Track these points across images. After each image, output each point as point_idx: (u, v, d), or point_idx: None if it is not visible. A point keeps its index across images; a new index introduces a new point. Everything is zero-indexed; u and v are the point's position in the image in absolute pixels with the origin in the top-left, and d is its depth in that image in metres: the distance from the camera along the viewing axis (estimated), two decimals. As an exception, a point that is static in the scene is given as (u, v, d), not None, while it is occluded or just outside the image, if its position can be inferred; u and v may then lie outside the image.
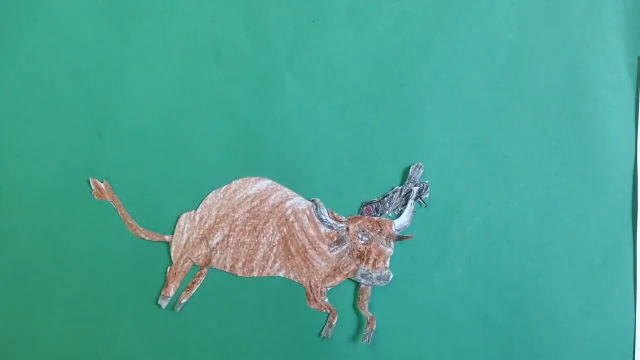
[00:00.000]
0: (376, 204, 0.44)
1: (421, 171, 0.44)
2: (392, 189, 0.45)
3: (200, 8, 0.44)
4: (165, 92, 0.44)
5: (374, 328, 0.43)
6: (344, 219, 0.44)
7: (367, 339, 0.43)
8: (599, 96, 0.45)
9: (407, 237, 0.44)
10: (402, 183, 0.45)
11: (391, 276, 0.43)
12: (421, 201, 0.44)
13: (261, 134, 0.44)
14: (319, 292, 0.43)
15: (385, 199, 0.44)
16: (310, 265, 0.44)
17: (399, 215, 0.45)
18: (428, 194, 0.45)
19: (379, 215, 0.44)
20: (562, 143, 0.45)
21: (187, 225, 0.44)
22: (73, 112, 0.44)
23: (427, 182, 0.44)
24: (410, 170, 0.44)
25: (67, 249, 0.44)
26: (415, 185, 0.43)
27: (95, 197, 0.44)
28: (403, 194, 0.44)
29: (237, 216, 0.44)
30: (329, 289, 0.44)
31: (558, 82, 0.45)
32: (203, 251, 0.44)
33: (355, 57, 0.45)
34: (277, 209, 0.44)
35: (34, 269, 0.45)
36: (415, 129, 0.45)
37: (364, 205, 0.44)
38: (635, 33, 0.45)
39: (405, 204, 0.44)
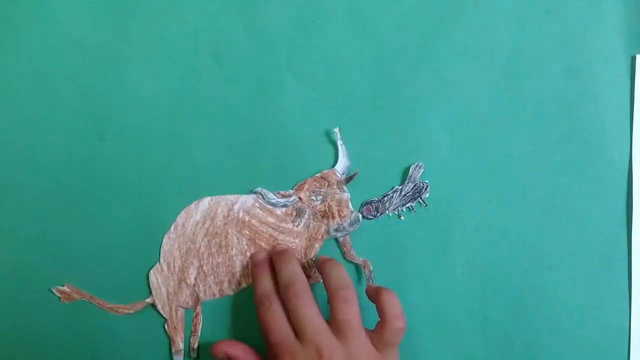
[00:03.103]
0: (376, 204, 0.44)
1: (421, 171, 0.44)
2: (392, 188, 0.45)
3: (200, 8, 0.44)
4: (165, 92, 0.44)
5: (371, 268, 0.44)
6: (291, 192, 0.44)
7: (371, 280, 0.44)
8: (599, 96, 0.45)
9: (354, 175, 0.44)
10: (402, 183, 0.45)
11: (360, 216, 0.44)
12: (421, 201, 0.45)
13: (261, 134, 0.44)
14: (308, 266, 0.44)
15: (385, 198, 0.44)
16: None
17: (399, 215, 0.45)
18: (428, 194, 0.45)
19: (379, 215, 0.44)
20: (561, 143, 0.45)
21: (159, 278, 0.44)
22: (72, 112, 0.44)
23: (427, 182, 0.44)
24: (410, 170, 0.44)
25: (68, 250, 0.44)
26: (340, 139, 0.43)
27: (66, 301, 0.44)
28: (403, 193, 0.44)
29: (198, 245, 0.44)
30: (313, 258, 0.44)
31: (558, 82, 0.45)
32: (187, 292, 0.44)
33: (355, 57, 0.45)
34: (229, 218, 0.44)
35: (34, 269, 0.45)
36: (415, 129, 0.45)
37: (364, 205, 0.44)
38: (632, 33, 0.45)
39: (406, 203, 0.44)
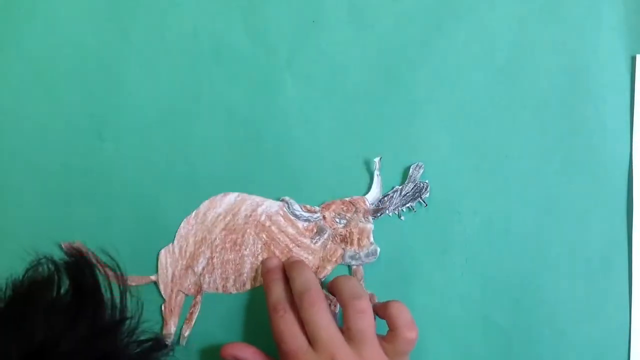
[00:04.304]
0: (376, 204, 0.44)
1: (421, 171, 0.44)
2: (392, 188, 0.45)
3: (200, 8, 0.44)
4: (165, 92, 0.44)
5: (376, 301, 0.43)
6: (317, 209, 0.44)
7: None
8: (599, 96, 0.45)
9: (383, 208, 0.44)
10: (402, 183, 0.45)
11: (378, 249, 0.44)
12: (421, 201, 0.45)
13: (261, 134, 0.44)
14: None
15: (386, 198, 0.44)
16: None
17: (399, 215, 0.45)
18: (428, 194, 0.45)
19: (379, 215, 0.44)
20: (561, 143, 0.45)
21: (168, 259, 0.44)
22: (72, 111, 0.44)
23: (427, 181, 0.44)
24: (410, 170, 0.44)
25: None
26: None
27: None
28: (403, 193, 0.44)
29: (214, 236, 0.44)
30: (323, 280, 0.44)
31: (558, 82, 0.45)
32: (191, 280, 0.44)
33: (355, 57, 0.45)
34: (251, 219, 0.44)
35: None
36: (415, 129, 0.45)
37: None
38: (632, 33, 0.45)
39: (406, 203, 0.44)
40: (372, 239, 0.44)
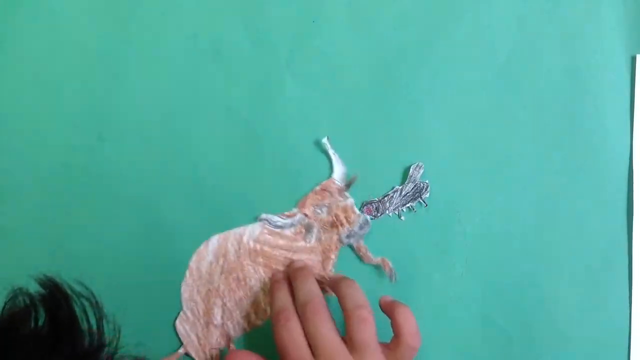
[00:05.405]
0: (376, 204, 0.44)
1: (421, 171, 0.44)
2: (392, 188, 0.45)
3: (200, 8, 0.44)
4: (165, 92, 0.44)
5: (391, 265, 0.44)
6: (295, 211, 0.44)
7: (393, 278, 0.44)
8: (599, 96, 0.45)
9: (353, 180, 0.44)
10: (402, 183, 0.45)
11: (368, 218, 0.44)
12: (421, 201, 0.45)
13: (261, 134, 0.44)
14: (325, 281, 0.44)
15: (385, 198, 0.44)
16: None
17: (399, 215, 0.45)
18: (428, 194, 0.45)
19: (379, 215, 0.44)
20: (561, 143, 0.45)
21: (186, 327, 0.44)
22: (72, 111, 0.44)
23: (427, 182, 0.44)
24: (410, 170, 0.44)
25: (68, 251, 0.44)
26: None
27: None
28: (403, 193, 0.44)
29: (217, 284, 0.44)
30: (332, 270, 0.44)
31: (558, 82, 0.45)
32: (216, 333, 0.44)
33: (355, 57, 0.45)
34: (241, 251, 0.44)
35: (33, 271, 0.44)
36: (415, 129, 0.45)
37: (364, 205, 0.44)
38: (632, 33, 0.45)
39: (406, 203, 0.45)
40: (357, 212, 0.44)
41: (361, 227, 0.44)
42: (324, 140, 0.44)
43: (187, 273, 0.44)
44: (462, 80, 0.45)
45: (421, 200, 0.44)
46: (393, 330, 0.39)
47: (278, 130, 0.44)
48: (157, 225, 0.44)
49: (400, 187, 0.44)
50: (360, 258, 0.44)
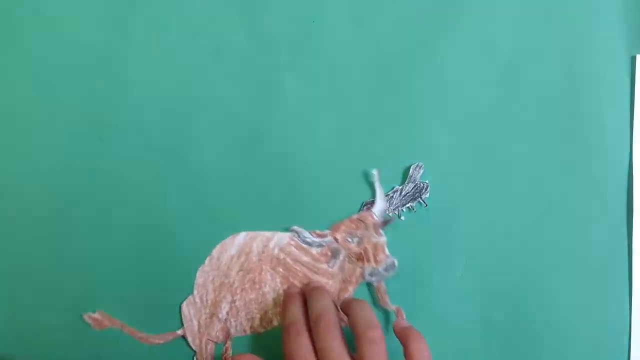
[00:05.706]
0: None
1: (421, 171, 0.44)
2: (392, 188, 0.45)
3: (200, 8, 0.44)
4: (165, 92, 0.44)
5: (404, 317, 0.43)
6: (327, 232, 0.44)
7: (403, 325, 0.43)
8: (599, 96, 0.45)
9: (390, 220, 0.44)
10: (402, 183, 0.45)
11: (396, 262, 0.43)
12: (421, 201, 0.45)
13: (261, 134, 0.44)
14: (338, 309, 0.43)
15: (385, 198, 0.44)
16: None
17: (399, 215, 0.45)
18: (428, 194, 0.45)
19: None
20: (561, 143, 0.45)
21: (191, 311, 0.44)
22: (72, 111, 0.44)
23: (427, 182, 0.44)
24: (411, 170, 0.44)
25: (68, 251, 0.44)
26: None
27: (97, 328, 0.43)
28: (403, 193, 0.44)
29: (232, 279, 0.44)
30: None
31: (558, 82, 0.45)
32: (218, 327, 0.44)
33: (355, 57, 0.45)
34: (264, 255, 0.44)
35: (33, 271, 0.45)
36: (415, 129, 0.45)
37: (365, 205, 0.44)
38: (632, 33, 0.45)
39: (406, 203, 0.45)
40: (387, 252, 0.44)
41: (386, 269, 0.43)
42: (374, 172, 0.44)
43: (207, 259, 0.44)
44: (462, 81, 0.45)
45: (421, 200, 0.44)
46: (405, 357, 0.39)
47: (278, 130, 0.44)
48: (157, 226, 0.44)
49: (400, 187, 0.44)
50: (377, 300, 0.44)
